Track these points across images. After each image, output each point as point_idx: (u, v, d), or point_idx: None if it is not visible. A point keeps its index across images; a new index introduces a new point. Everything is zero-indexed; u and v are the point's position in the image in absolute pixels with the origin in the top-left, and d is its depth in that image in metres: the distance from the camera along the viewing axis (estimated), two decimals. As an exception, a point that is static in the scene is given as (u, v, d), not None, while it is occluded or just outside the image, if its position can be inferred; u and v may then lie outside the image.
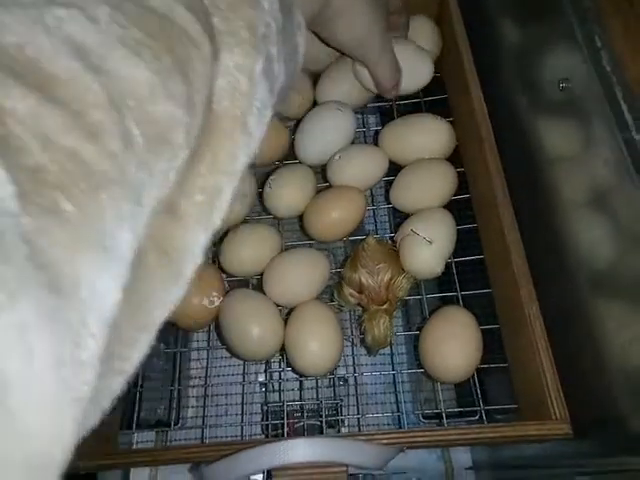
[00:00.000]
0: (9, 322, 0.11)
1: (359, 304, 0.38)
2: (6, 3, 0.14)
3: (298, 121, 0.44)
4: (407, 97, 0.44)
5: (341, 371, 0.40)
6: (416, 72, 0.41)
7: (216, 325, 0.38)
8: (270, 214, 0.42)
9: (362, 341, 0.38)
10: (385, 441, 0.29)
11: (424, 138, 0.41)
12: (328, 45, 0.38)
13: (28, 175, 0.12)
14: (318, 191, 0.42)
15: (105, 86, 0.14)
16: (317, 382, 0.41)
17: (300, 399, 0.41)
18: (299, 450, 0.26)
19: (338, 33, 0.35)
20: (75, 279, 0.12)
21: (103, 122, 0.14)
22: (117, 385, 0.15)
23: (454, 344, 0.34)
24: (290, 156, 0.44)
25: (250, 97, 0.20)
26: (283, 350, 0.37)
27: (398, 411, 0.38)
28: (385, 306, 0.37)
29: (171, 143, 0.16)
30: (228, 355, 0.41)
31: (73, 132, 0.13)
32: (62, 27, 0.14)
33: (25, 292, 0.11)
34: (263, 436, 0.40)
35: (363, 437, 0.30)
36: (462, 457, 0.42)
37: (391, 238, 0.41)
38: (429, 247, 0.37)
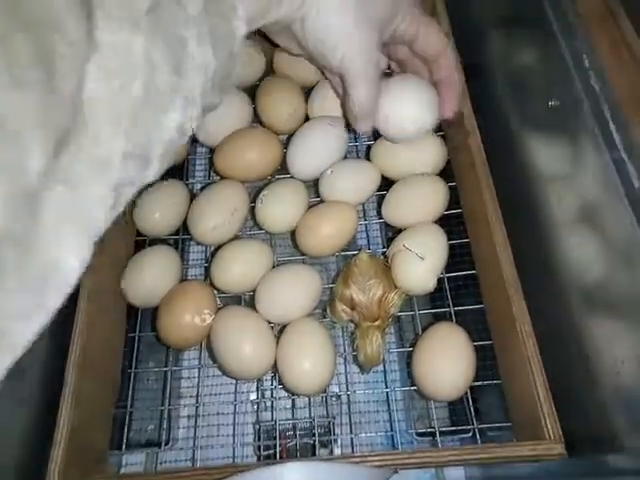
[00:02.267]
0: None
1: (351, 320, 0.38)
2: None
3: (290, 136, 0.44)
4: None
5: (334, 389, 0.40)
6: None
7: (207, 343, 0.38)
8: (262, 229, 0.42)
9: (355, 358, 0.38)
10: (378, 463, 0.29)
11: (416, 153, 0.41)
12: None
13: None
14: (310, 206, 0.42)
15: None
16: (310, 400, 0.40)
17: (292, 417, 0.40)
18: (292, 475, 0.26)
19: (292, 45, 0.32)
20: None
21: None
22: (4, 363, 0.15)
23: (447, 362, 0.33)
24: (282, 171, 0.44)
25: (125, 76, 0.18)
26: (275, 368, 0.36)
27: (391, 430, 0.38)
28: (377, 323, 0.36)
29: (20, 136, 0.14)
30: (220, 374, 0.41)
31: None
32: None
33: None
34: (255, 457, 0.39)
35: (356, 459, 0.29)
36: (456, 475, 0.42)
37: (383, 253, 0.41)
38: (421, 263, 0.36)
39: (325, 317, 0.39)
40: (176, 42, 0.20)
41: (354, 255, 0.40)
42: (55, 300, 0.16)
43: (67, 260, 0.16)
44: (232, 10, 0.24)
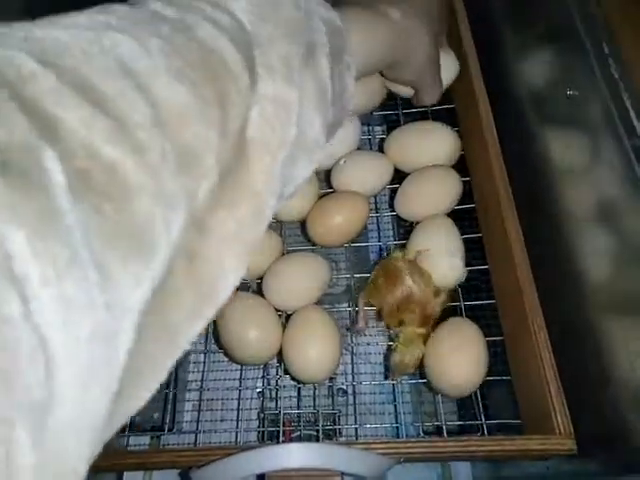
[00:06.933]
0: (55, 295, 0.12)
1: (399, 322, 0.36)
2: (68, 23, 0.16)
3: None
4: (413, 106, 0.44)
5: (339, 380, 0.39)
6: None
7: (214, 328, 0.38)
8: (272, 217, 0.42)
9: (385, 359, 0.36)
10: (382, 451, 0.28)
11: (429, 145, 0.41)
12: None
13: (76, 174, 0.13)
14: (321, 196, 0.41)
15: (150, 106, 0.16)
16: (315, 391, 0.40)
17: (297, 407, 0.40)
18: (293, 455, 0.25)
19: (402, 75, 0.35)
20: (107, 270, 0.14)
21: (145, 139, 0.15)
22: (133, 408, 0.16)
23: (459, 358, 0.33)
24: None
25: (280, 126, 0.21)
26: (281, 356, 0.36)
27: (397, 422, 0.37)
28: (423, 330, 0.35)
29: (200, 163, 0.17)
30: (225, 360, 0.41)
31: (118, 145, 0.14)
32: (116, 50, 0.16)
33: (70, 272, 0.12)
34: (258, 443, 0.39)
35: (360, 446, 0.29)
36: (463, 475, 0.41)
37: (395, 246, 0.41)
38: (450, 257, 0.36)
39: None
40: (322, 94, 0.24)
41: (365, 247, 0.39)
42: (211, 310, 0.18)
43: (223, 280, 0.19)
44: (347, 68, 0.27)
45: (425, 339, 0.35)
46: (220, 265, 0.19)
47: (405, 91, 0.40)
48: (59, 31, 0.16)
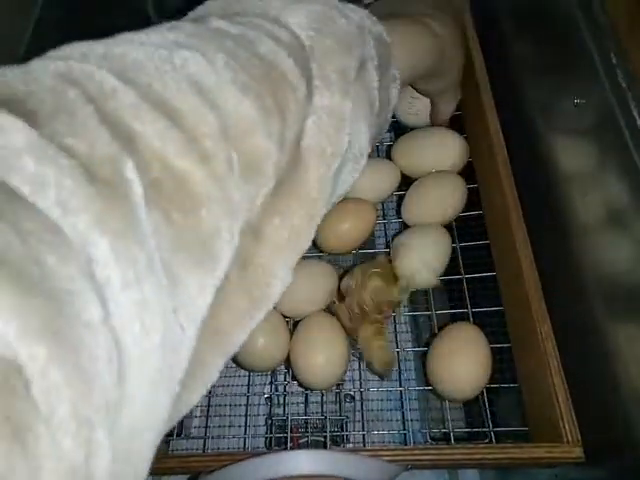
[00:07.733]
0: (134, 298, 0.12)
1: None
2: (142, 40, 0.17)
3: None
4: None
5: (347, 386, 0.39)
6: None
7: (222, 334, 0.38)
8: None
9: (371, 369, 0.37)
10: (389, 458, 0.29)
11: (437, 151, 0.41)
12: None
13: (150, 184, 0.14)
14: (329, 203, 0.42)
15: (217, 119, 0.16)
16: (322, 397, 0.40)
17: (305, 414, 0.40)
18: (300, 461, 0.26)
19: (431, 85, 0.36)
20: (175, 276, 0.14)
21: (212, 148, 0.16)
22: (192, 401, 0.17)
23: (462, 361, 0.33)
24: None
25: (334, 136, 0.21)
26: (289, 362, 0.36)
27: (404, 429, 0.37)
28: (374, 328, 0.35)
29: (261, 172, 0.18)
30: (233, 366, 0.41)
31: (187, 156, 0.15)
32: (186, 67, 0.17)
33: (148, 275, 0.13)
34: (266, 449, 0.39)
35: (367, 452, 0.29)
36: (470, 482, 0.41)
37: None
38: (420, 258, 0.36)
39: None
40: (369, 106, 0.24)
41: (372, 254, 0.40)
42: (261, 314, 0.19)
43: (275, 286, 0.20)
44: (393, 79, 0.27)
45: (381, 332, 0.35)
46: (272, 271, 0.19)
47: (414, 120, 0.41)
48: (135, 49, 0.17)
